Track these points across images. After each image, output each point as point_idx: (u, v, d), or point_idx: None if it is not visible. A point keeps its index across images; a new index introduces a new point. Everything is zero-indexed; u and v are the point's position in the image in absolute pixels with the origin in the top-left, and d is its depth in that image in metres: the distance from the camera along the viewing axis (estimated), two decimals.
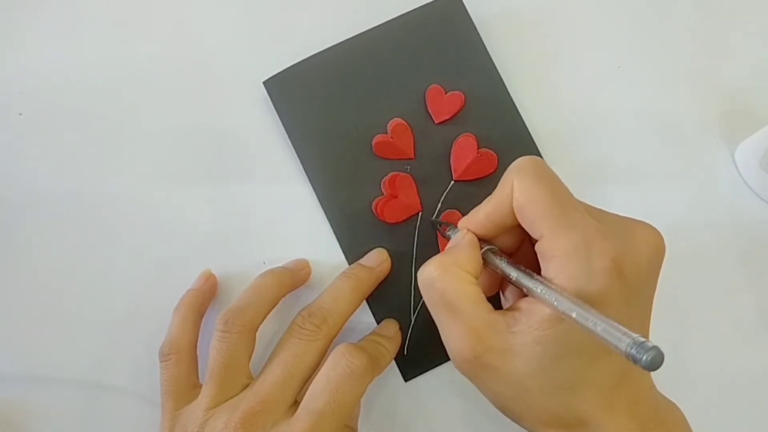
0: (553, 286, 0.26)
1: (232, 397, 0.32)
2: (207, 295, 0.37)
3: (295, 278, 0.37)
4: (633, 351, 0.21)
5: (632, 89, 0.40)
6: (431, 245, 0.37)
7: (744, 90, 0.40)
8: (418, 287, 0.36)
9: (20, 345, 0.37)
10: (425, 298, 0.30)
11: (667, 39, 0.41)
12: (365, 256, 0.36)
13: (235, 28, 0.41)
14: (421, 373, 0.37)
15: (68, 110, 0.40)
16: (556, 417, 0.28)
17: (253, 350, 0.34)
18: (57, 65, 0.41)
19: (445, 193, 0.37)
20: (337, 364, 0.31)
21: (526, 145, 0.38)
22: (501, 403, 0.30)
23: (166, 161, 0.39)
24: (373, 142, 0.37)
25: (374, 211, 0.37)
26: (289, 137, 0.38)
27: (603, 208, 0.30)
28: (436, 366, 0.37)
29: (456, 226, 0.33)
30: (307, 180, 0.38)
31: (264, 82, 0.38)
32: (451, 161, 0.38)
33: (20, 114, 0.40)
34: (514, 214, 0.29)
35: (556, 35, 0.40)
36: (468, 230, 0.31)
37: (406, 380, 0.37)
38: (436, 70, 0.38)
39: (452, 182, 0.37)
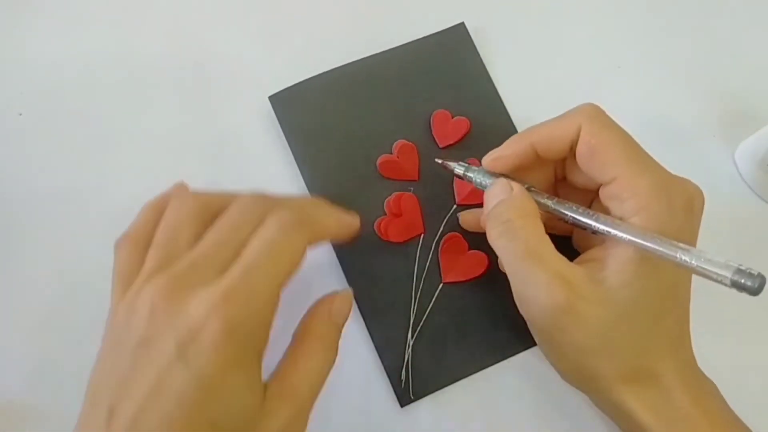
0: (636, 227, 0.27)
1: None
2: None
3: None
4: (737, 278, 0.23)
5: (632, 89, 0.40)
6: (432, 267, 0.37)
7: (744, 90, 0.40)
8: (417, 309, 0.36)
9: (19, 345, 0.37)
10: (505, 247, 0.29)
11: (667, 39, 0.41)
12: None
13: (245, 41, 0.41)
14: (418, 399, 0.35)
15: (68, 110, 0.40)
16: (633, 370, 0.29)
17: (201, 228, 0.29)
18: (57, 65, 0.41)
19: (447, 217, 0.37)
20: (268, 221, 0.28)
21: None
22: (580, 360, 0.30)
23: (167, 167, 0.38)
24: (378, 162, 0.38)
25: (376, 230, 0.37)
26: (293, 153, 0.38)
27: None
28: (435, 391, 0.35)
29: (471, 165, 0.33)
30: (309, 196, 0.38)
31: (269, 97, 0.39)
32: (454, 185, 0.38)
33: (20, 114, 0.40)
34: (562, 151, 0.30)
35: (556, 59, 0.41)
36: (509, 180, 0.31)
37: (402, 406, 0.35)
38: (442, 96, 0.39)
39: (455, 206, 0.37)
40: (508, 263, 0.30)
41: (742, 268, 0.23)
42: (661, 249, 0.26)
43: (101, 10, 0.42)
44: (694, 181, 0.38)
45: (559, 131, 0.30)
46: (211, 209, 0.30)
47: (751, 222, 0.38)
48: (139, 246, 0.30)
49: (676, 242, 0.26)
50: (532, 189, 0.31)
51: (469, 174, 0.33)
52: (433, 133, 0.38)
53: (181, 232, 0.29)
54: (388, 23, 0.41)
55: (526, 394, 0.36)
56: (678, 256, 0.25)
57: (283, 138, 0.39)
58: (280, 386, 0.27)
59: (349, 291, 0.32)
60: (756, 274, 0.23)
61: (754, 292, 0.23)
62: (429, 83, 0.39)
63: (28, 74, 0.41)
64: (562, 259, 0.29)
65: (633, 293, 0.28)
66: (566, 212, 0.30)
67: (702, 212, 0.30)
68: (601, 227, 0.28)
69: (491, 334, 0.36)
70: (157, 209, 0.31)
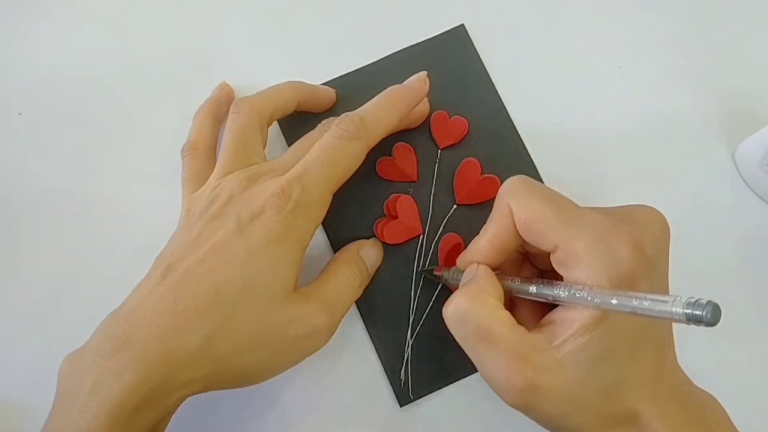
0: (586, 286, 0.26)
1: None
2: (223, 101, 0.38)
3: (315, 92, 0.37)
4: (689, 311, 0.21)
5: (632, 89, 0.40)
6: (432, 267, 0.37)
7: (744, 90, 0.40)
8: (416, 309, 0.36)
9: (18, 345, 0.37)
10: (457, 334, 0.29)
11: (667, 39, 0.41)
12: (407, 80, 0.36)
13: (246, 44, 0.41)
14: (418, 399, 0.35)
15: (68, 110, 0.40)
16: (610, 418, 0.28)
17: (265, 138, 0.35)
18: (57, 65, 0.41)
19: (447, 217, 0.37)
20: (330, 130, 0.32)
21: (529, 172, 0.38)
22: (554, 423, 0.29)
23: (168, 167, 0.38)
24: (377, 163, 0.38)
25: (376, 232, 0.37)
26: None
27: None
28: (435, 391, 0.36)
29: (446, 268, 0.34)
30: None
31: None
32: (454, 185, 0.38)
33: (20, 114, 0.40)
34: (517, 236, 0.29)
35: (556, 60, 0.40)
36: (477, 263, 0.31)
37: (401, 406, 0.35)
38: (443, 98, 0.38)
39: (455, 206, 0.37)
40: (464, 348, 0.29)
41: (692, 300, 0.21)
42: (607, 304, 0.25)
43: (101, 10, 0.42)
44: (693, 181, 0.39)
45: (499, 223, 0.30)
46: (265, 114, 0.35)
47: (751, 222, 0.38)
48: (201, 153, 0.36)
49: (621, 292, 0.25)
50: (498, 273, 0.30)
51: (444, 275, 0.34)
52: (433, 134, 0.38)
53: (249, 139, 0.34)
54: (388, 28, 0.41)
55: None
56: (627, 305, 0.24)
57: (284, 141, 0.39)
58: (309, 290, 0.32)
59: (378, 241, 0.36)
60: (705, 302, 0.21)
61: (710, 322, 0.21)
62: (430, 85, 0.38)
63: (28, 74, 0.41)
64: (518, 334, 0.28)
65: (594, 352, 0.27)
66: (527, 289, 0.29)
67: (664, 241, 0.29)
68: (557, 296, 0.27)
69: None
70: (210, 114, 0.37)
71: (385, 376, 0.36)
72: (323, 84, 0.39)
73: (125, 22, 0.42)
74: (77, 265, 0.38)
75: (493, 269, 0.31)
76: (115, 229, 0.39)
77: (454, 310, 0.29)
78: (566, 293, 0.27)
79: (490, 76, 0.40)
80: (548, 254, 0.29)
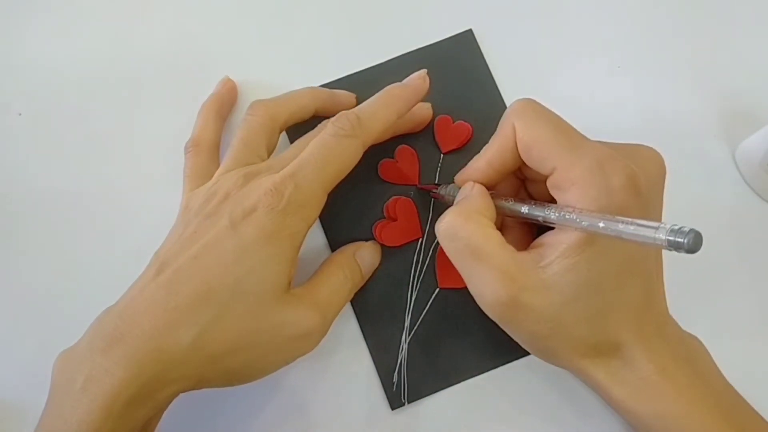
0: (576, 209, 0.27)
1: None
2: (226, 97, 0.39)
3: (334, 99, 0.37)
4: (671, 237, 0.22)
5: (632, 89, 0.40)
6: (429, 272, 0.37)
7: (744, 90, 0.40)
8: (412, 313, 0.36)
9: (17, 345, 0.37)
10: (448, 249, 0.30)
11: (667, 39, 0.41)
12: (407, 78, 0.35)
13: (248, 45, 0.41)
14: (410, 403, 0.35)
15: (68, 110, 0.40)
16: (591, 345, 0.29)
17: (274, 143, 0.35)
18: (57, 65, 0.41)
19: None
20: (326, 128, 0.32)
21: None
22: (536, 343, 0.30)
23: (167, 167, 0.38)
24: (379, 165, 0.37)
25: (374, 234, 0.37)
26: None
27: None
28: (427, 396, 0.35)
29: (443, 184, 0.34)
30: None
31: None
32: None
33: (20, 114, 0.40)
34: (517, 157, 0.30)
35: (562, 64, 0.40)
36: (473, 182, 0.31)
37: (392, 409, 0.35)
38: (446, 102, 0.38)
39: None
40: (454, 263, 0.30)
41: (675, 227, 0.22)
42: (594, 226, 0.26)
43: (101, 10, 0.42)
44: (694, 181, 0.38)
45: (501, 142, 0.30)
46: (279, 119, 0.35)
47: (751, 222, 0.38)
48: (203, 149, 0.36)
49: (609, 216, 0.25)
50: (492, 193, 0.31)
51: (442, 192, 0.34)
52: (436, 138, 0.38)
53: (256, 141, 0.34)
54: (395, 30, 0.40)
55: (518, 403, 0.36)
56: (613, 228, 0.25)
57: (287, 141, 0.39)
58: (301, 291, 0.32)
59: (377, 244, 0.36)
60: (688, 230, 0.22)
61: (690, 249, 0.21)
62: (436, 89, 0.37)
63: (28, 74, 0.41)
64: (506, 252, 0.29)
65: (579, 276, 0.28)
66: (519, 209, 0.30)
67: (659, 181, 0.30)
68: (546, 217, 0.28)
69: (485, 341, 0.36)
70: (214, 111, 0.37)
71: (378, 379, 0.36)
72: (328, 84, 0.39)
73: (125, 22, 0.42)
74: (77, 265, 0.38)
75: (489, 189, 0.31)
76: (115, 228, 0.39)
77: (446, 226, 0.30)
78: (556, 214, 0.28)
79: (496, 82, 0.39)
80: (545, 180, 0.30)
